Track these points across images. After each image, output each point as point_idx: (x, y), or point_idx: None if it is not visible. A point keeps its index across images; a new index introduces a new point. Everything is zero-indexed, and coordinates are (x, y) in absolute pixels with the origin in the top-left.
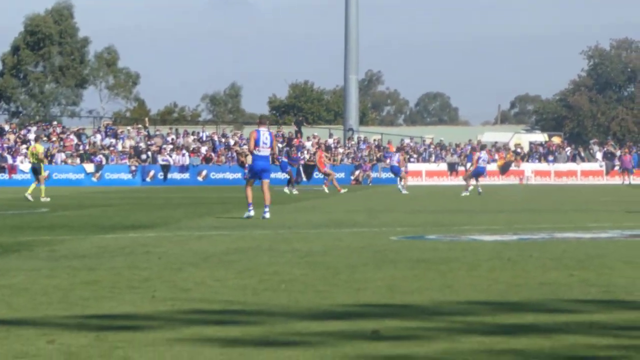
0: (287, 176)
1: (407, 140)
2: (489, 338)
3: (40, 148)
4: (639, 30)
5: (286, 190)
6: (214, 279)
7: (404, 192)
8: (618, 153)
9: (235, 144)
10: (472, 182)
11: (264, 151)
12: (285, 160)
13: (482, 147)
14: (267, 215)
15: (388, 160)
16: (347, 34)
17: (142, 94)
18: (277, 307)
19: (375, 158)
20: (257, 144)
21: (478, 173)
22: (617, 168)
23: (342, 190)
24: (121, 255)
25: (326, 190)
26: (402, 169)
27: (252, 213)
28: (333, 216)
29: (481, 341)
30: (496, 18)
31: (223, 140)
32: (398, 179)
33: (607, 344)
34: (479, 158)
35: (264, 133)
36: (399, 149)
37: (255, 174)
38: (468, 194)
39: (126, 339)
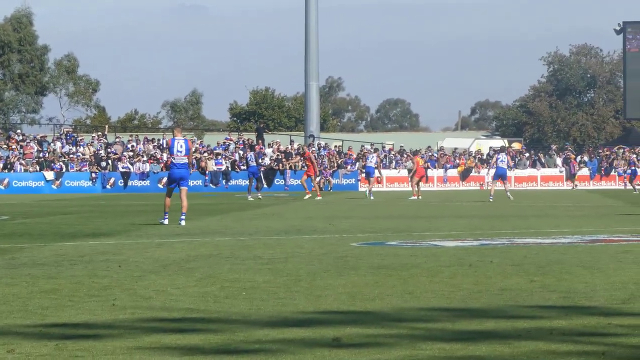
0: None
1: (367, 147)
2: (449, 345)
3: None
4: (598, 36)
5: (251, 197)
6: (175, 287)
7: (371, 197)
8: (579, 158)
9: (196, 150)
10: (496, 186)
11: (180, 159)
12: (254, 165)
13: (502, 148)
14: (183, 222)
15: (357, 164)
16: (307, 41)
17: (103, 101)
18: (238, 315)
19: (336, 164)
20: (171, 152)
21: (499, 175)
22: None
23: (308, 196)
24: (81, 263)
25: (309, 196)
26: (376, 172)
27: (166, 222)
28: (294, 223)
29: (442, 348)
30: (457, 24)
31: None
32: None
33: (567, 350)
34: (497, 159)
35: (179, 141)
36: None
37: (173, 181)
38: (492, 199)
39: (86, 347)
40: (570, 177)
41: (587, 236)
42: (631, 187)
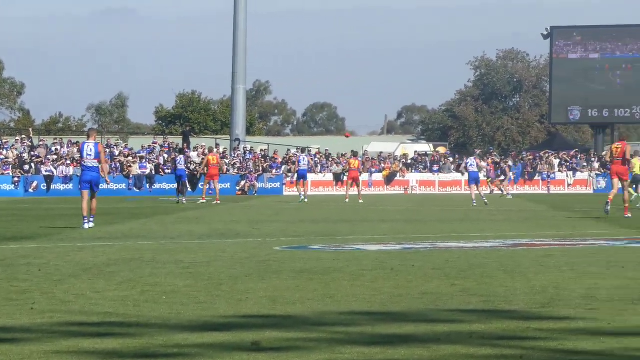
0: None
1: (293, 150)
2: (369, 348)
3: None
4: (524, 41)
5: (180, 200)
6: (94, 291)
7: (305, 200)
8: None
9: (119, 154)
10: (475, 190)
11: (89, 162)
12: (183, 168)
13: (471, 153)
14: (92, 225)
15: (283, 167)
16: (235, 44)
17: (27, 104)
18: (158, 319)
19: (261, 168)
20: (81, 155)
21: (473, 179)
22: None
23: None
24: (1, 267)
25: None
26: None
27: (86, 226)
28: (217, 227)
29: (361, 352)
30: (384, 29)
31: (108, 150)
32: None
33: (486, 353)
34: (467, 164)
35: (89, 145)
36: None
37: (84, 184)
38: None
39: (3, 351)
40: (491, 181)
41: (509, 240)
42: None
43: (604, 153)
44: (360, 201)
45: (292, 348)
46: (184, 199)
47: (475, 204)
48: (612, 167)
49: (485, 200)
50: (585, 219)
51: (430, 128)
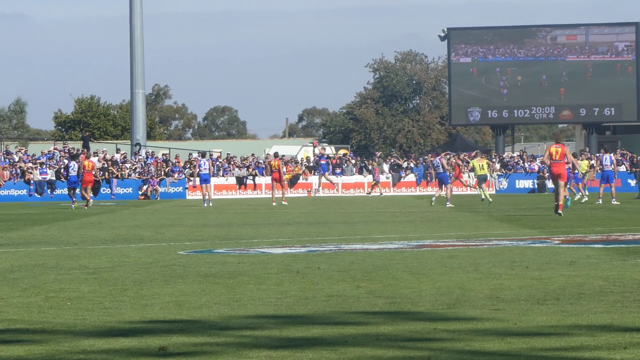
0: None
1: (194, 155)
2: (276, 352)
3: None
4: (422, 43)
5: (84, 206)
6: None
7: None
8: (405, 164)
9: (19, 160)
10: (441, 192)
11: None
12: (74, 174)
13: (437, 153)
14: None
15: (186, 171)
16: (132, 49)
17: None
18: (63, 325)
19: (163, 172)
20: None
21: (439, 179)
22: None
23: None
24: None
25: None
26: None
27: None
28: (120, 232)
29: (268, 355)
30: (282, 32)
31: (7, 157)
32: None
33: (393, 355)
34: (433, 165)
35: None
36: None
37: None
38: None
39: None
40: (375, 183)
41: (413, 242)
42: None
43: (540, 156)
44: (282, 203)
45: (199, 353)
46: (81, 204)
47: (433, 204)
48: (553, 169)
49: (488, 199)
50: (488, 219)
51: (331, 131)
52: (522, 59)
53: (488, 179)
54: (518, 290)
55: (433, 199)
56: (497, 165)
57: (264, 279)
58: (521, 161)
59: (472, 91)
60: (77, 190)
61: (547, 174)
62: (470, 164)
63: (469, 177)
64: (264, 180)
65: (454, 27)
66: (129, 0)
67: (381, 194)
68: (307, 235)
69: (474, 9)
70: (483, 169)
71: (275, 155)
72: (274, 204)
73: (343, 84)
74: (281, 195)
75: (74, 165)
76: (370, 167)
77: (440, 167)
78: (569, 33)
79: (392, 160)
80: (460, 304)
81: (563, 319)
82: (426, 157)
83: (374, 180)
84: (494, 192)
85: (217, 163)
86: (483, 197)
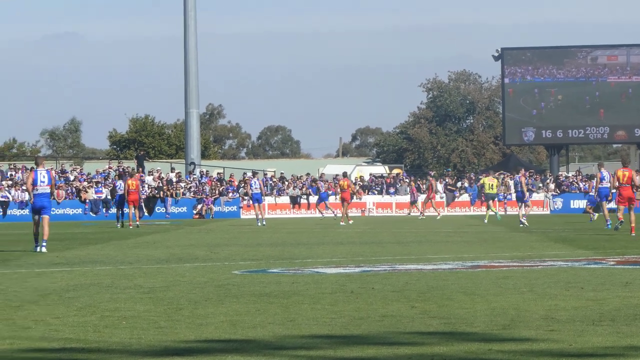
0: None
1: (249, 174)
2: None
3: None
4: (476, 62)
5: (121, 224)
6: (54, 317)
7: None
8: (459, 184)
9: (75, 179)
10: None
11: (43, 189)
12: (121, 193)
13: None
14: (44, 249)
15: (240, 190)
16: (187, 68)
17: None
18: (119, 345)
19: (217, 192)
20: (34, 183)
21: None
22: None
23: (132, 226)
24: None
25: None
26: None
27: (38, 249)
28: (174, 251)
29: None
30: (336, 51)
31: (63, 175)
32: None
33: None
34: (516, 183)
35: (41, 172)
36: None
37: (36, 211)
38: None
39: None
40: (412, 202)
41: (468, 262)
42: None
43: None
44: (348, 222)
45: None
46: (137, 223)
47: (486, 221)
48: (622, 192)
49: (497, 216)
50: (542, 240)
51: (385, 150)
52: (571, 80)
53: (496, 199)
54: (573, 311)
55: (497, 215)
56: (552, 185)
57: (318, 299)
58: (576, 181)
59: (526, 111)
60: (126, 210)
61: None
62: (480, 181)
63: (480, 195)
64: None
65: (507, 47)
66: (184, 20)
67: (422, 214)
68: (361, 255)
69: (528, 29)
70: (492, 188)
71: (344, 175)
72: (342, 223)
73: (397, 104)
74: (345, 215)
75: (120, 184)
76: (408, 187)
77: (520, 185)
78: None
79: (446, 180)
80: (515, 325)
81: (618, 340)
82: (480, 177)
83: (410, 201)
84: (548, 212)
85: (271, 182)
86: (487, 218)
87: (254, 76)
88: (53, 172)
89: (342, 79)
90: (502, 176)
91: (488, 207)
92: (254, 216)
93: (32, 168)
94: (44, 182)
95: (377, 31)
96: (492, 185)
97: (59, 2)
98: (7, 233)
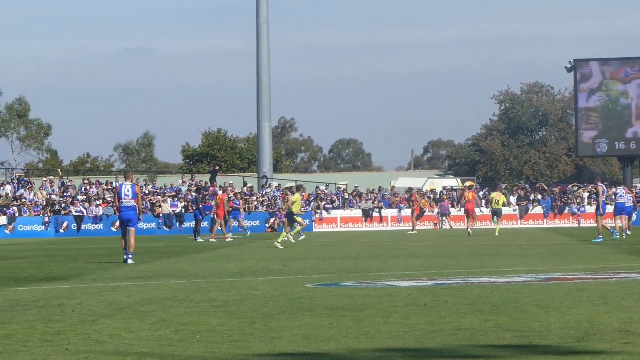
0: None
1: (322, 188)
2: None
3: None
4: (548, 74)
5: (200, 239)
6: (129, 331)
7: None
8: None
9: (149, 193)
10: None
11: (127, 202)
12: (197, 209)
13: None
14: (131, 261)
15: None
16: (259, 82)
17: (55, 145)
18: (193, 359)
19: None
20: (119, 196)
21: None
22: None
23: (228, 239)
24: (35, 308)
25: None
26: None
27: (129, 261)
28: (249, 265)
29: None
30: (408, 64)
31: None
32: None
33: None
34: (615, 194)
35: (126, 186)
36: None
37: (122, 223)
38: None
39: None
40: (441, 216)
41: (541, 275)
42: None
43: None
44: (470, 232)
45: None
46: (199, 238)
47: (617, 236)
48: None
49: (628, 232)
50: (617, 252)
51: (457, 163)
52: None
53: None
54: None
55: (615, 233)
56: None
57: (391, 312)
58: None
59: (599, 122)
60: (204, 224)
61: None
62: (490, 196)
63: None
64: (390, 212)
65: (580, 58)
66: (256, 34)
67: (451, 227)
68: (434, 268)
69: (601, 41)
70: (497, 204)
71: (470, 187)
72: (470, 232)
73: (469, 116)
74: (471, 225)
75: (193, 197)
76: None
77: (624, 196)
78: None
79: (519, 193)
80: (589, 338)
81: None
82: (554, 190)
83: (439, 213)
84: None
85: (343, 195)
86: (498, 232)
87: (326, 89)
88: (137, 187)
89: (414, 91)
90: (576, 188)
91: (494, 222)
92: (330, 230)
93: (121, 182)
94: (128, 195)
95: (449, 43)
96: (497, 201)
97: (132, 17)
98: (82, 247)
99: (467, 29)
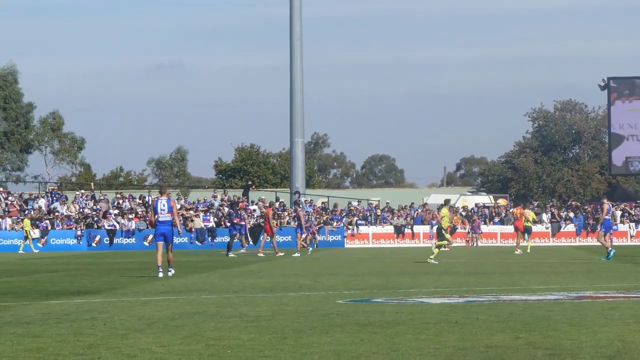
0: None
1: (354, 203)
2: None
3: None
4: (582, 92)
5: (231, 254)
6: (160, 345)
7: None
8: (564, 214)
9: (181, 208)
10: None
11: (163, 217)
12: (230, 224)
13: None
14: (172, 272)
15: (344, 220)
16: (292, 97)
17: (88, 158)
18: None
19: (322, 221)
20: (155, 211)
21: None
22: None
23: (280, 254)
24: (66, 321)
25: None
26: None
27: (160, 274)
28: (279, 280)
29: None
30: (442, 81)
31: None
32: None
33: None
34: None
35: (161, 200)
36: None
37: (159, 237)
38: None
39: None
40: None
41: (573, 292)
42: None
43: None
44: (518, 252)
45: None
46: (243, 250)
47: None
48: None
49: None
50: None
51: (490, 180)
52: None
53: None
54: None
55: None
56: None
57: (422, 329)
58: None
59: (633, 140)
60: (236, 239)
61: None
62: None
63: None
64: (421, 229)
65: (613, 76)
66: (290, 50)
67: (476, 244)
68: (465, 285)
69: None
70: (527, 221)
71: (517, 204)
72: (517, 252)
73: (502, 133)
74: (518, 244)
75: (229, 213)
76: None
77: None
78: None
79: (552, 211)
80: (620, 356)
81: None
82: (586, 207)
83: (470, 231)
84: None
85: (375, 211)
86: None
87: (359, 105)
88: (173, 201)
89: (446, 108)
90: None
91: (525, 239)
92: (361, 246)
93: (156, 197)
94: (164, 210)
95: (481, 60)
96: (528, 218)
97: (166, 33)
98: (114, 261)
99: (502, 46)
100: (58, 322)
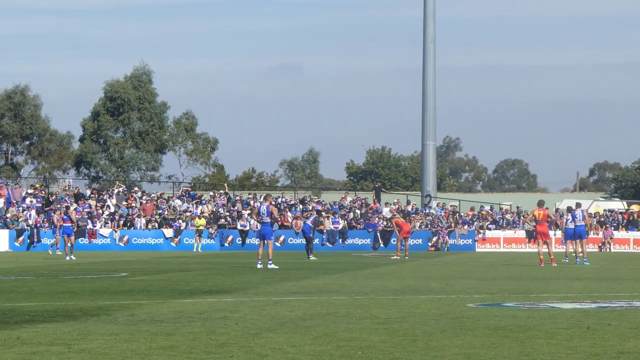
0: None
1: (487, 208)
2: None
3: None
4: None
5: (312, 257)
6: (291, 345)
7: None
8: None
9: (312, 209)
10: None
11: (264, 219)
12: (308, 223)
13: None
14: (271, 266)
15: (475, 224)
16: (425, 100)
17: (221, 159)
18: None
19: (452, 224)
20: (259, 215)
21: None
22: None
23: (395, 257)
24: (199, 320)
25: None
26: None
27: (260, 266)
28: (410, 282)
29: None
30: (576, 85)
31: (301, 206)
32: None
33: None
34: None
35: (263, 206)
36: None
37: (261, 236)
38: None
39: None
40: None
41: None
42: None
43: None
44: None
45: None
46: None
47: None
48: None
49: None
50: None
51: (623, 185)
52: None
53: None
54: None
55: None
56: None
57: (553, 334)
58: None
59: None
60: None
61: None
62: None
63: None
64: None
65: None
66: (423, 53)
67: (609, 249)
68: (597, 291)
69: None
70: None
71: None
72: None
73: (636, 138)
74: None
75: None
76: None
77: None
78: None
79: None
80: None
81: None
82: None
83: (603, 236)
84: None
85: (507, 216)
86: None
87: (491, 109)
88: (272, 207)
89: (580, 112)
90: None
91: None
92: (490, 250)
93: (260, 202)
94: (264, 214)
95: (616, 64)
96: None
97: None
98: (246, 262)
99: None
100: (191, 320)
